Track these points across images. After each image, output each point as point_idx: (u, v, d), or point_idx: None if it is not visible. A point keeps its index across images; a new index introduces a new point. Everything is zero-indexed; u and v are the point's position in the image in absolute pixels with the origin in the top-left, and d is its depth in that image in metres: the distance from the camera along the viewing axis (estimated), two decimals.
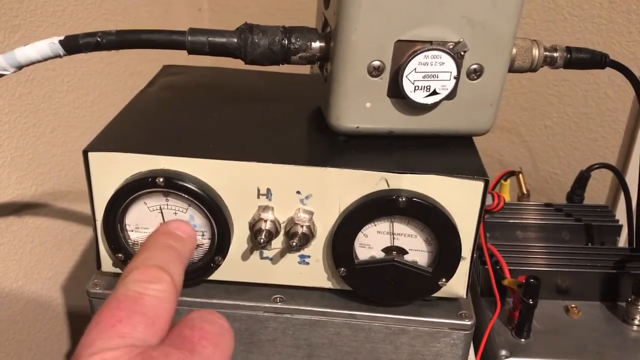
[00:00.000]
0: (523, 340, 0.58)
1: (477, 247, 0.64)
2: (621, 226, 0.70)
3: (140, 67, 0.89)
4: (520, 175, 0.73)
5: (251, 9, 1.03)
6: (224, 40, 0.46)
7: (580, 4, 0.87)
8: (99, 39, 0.45)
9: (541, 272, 0.61)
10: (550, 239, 0.70)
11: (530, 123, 0.95)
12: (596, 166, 0.74)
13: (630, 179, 0.70)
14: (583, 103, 0.91)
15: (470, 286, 0.65)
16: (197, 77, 0.60)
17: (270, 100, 0.56)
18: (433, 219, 0.45)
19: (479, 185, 0.44)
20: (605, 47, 0.88)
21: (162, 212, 0.45)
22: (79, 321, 0.81)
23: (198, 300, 0.49)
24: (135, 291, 0.30)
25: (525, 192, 0.74)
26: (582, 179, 0.75)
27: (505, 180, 0.74)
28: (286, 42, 0.46)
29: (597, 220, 0.70)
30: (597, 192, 0.96)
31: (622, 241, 0.79)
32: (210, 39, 0.46)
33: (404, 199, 0.44)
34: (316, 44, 0.46)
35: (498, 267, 0.61)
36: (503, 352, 0.56)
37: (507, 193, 0.74)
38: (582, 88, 0.91)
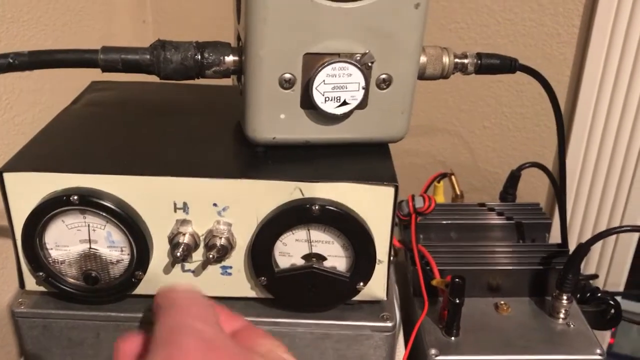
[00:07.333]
0: (453, 338, 0.59)
1: (408, 248, 0.66)
2: (550, 223, 0.72)
3: (84, 82, 0.89)
4: (453, 176, 0.75)
5: (196, 19, 1.03)
6: (136, 57, 0.47)
7: (512, 8, 0.89)
8: (11, 60, 0.46)
9: (472, 271, 0.63)
10: (484, 238, 0.72)
11: (470, 124, 0.97)
12: (526, 165, 0.76)
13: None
14: (519, 103, 0.94)
15: (403, 287, 0.67)
16: (124, 92, 0.61)
17: (196, 114, 0.57)
18: (347, 226, 0.46)
19: (389, 191, 0.46)
20: (537, 48, 0.91)
21: (81, 230, 0.46)
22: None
23: (122, 315, 0.49)
24: None
25: (458, 193, 0.76)
26: (513, 178, 0.77)
27: (439, 182, 0.75)
28: (199, 57, 0.47)
29: (527, 218, 0.72)
30: (536, 190, 0.98)
31: (559, 237, 0.82)
32: (123, 56, 0.47)
33: (317, 207, 0.45)
34: (229, 58, 0.47)
35: (428, 268, 0.62)
36: (433, 351, 0.58)
37: (441, 195, 0.76)
38: (517, 89, 0.93)
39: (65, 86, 0.86)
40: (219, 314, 0.35)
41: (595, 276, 0.87)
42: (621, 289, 0.98)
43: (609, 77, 0.87)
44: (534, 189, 0.98)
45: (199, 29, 1.04)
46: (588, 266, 0.98)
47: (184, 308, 0.33)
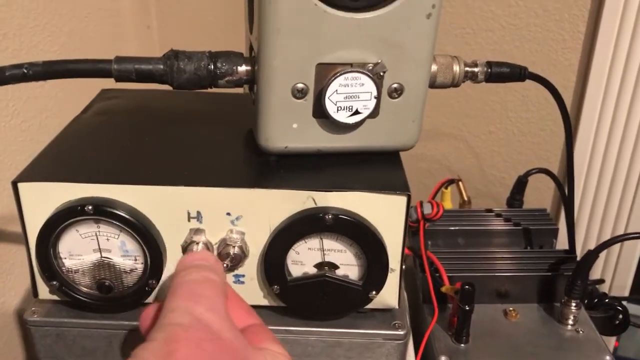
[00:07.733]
0: (462, 345, 0.59)
1: (417, 255, 0.66)
2: (557, 229, 0.72)
3: (90, 88, 0.89)
4: (460, 182, 0.75)
5: (200, 25, 1.04)
6: (150, 67, 0.47)
7: (517, 13, 0.90)
8: (25, 70, 0.46)
9: (481, 278, 0.63)
10: (491, 244, 0.72)
11: (475, 129, 0.98)
12: (533, 171, 0.76)
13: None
14: (524, 108, 0.94)
15: (412, 293, 0.67)
16: (134, 100, 0.61)
17: (208, 122, 0.57)
18: (360, 235, 0.46)
19: (402, 200, 0.46)
20: (542, 54, 0.91)
21: (94, 239, 0.46)
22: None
23: (136, 323, 0.49)
24: None
25: (466, 199, 0.76)
26: (520, 184, 0.77)
27: (446, 188, 0.76)
28: (212, 67, 0.47)
29: (535, 224, 0.72)
30: (542, 195, 0.98)
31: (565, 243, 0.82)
32: (136, 66, 0.47)
33: (330, 217, 0.45)
34: (242, 68, 0.47)
35: (437, 275, 0.63)
36: (443, 358, 0.58)
37: (448, 201, 0.76)
38: (523, 94, 0.93)
39: (71, 92, 0.86)
40: (235, 306, 0.35)
41: (601, 281, 0.87)
42: (626, 293, 0.99)
43: (614, 83, 0.87)
44: (540, 193, 0.98)
45: (203, 34, 1.05)
46: (593, 271, 0.98)
47: (194, 291, 0.33)
